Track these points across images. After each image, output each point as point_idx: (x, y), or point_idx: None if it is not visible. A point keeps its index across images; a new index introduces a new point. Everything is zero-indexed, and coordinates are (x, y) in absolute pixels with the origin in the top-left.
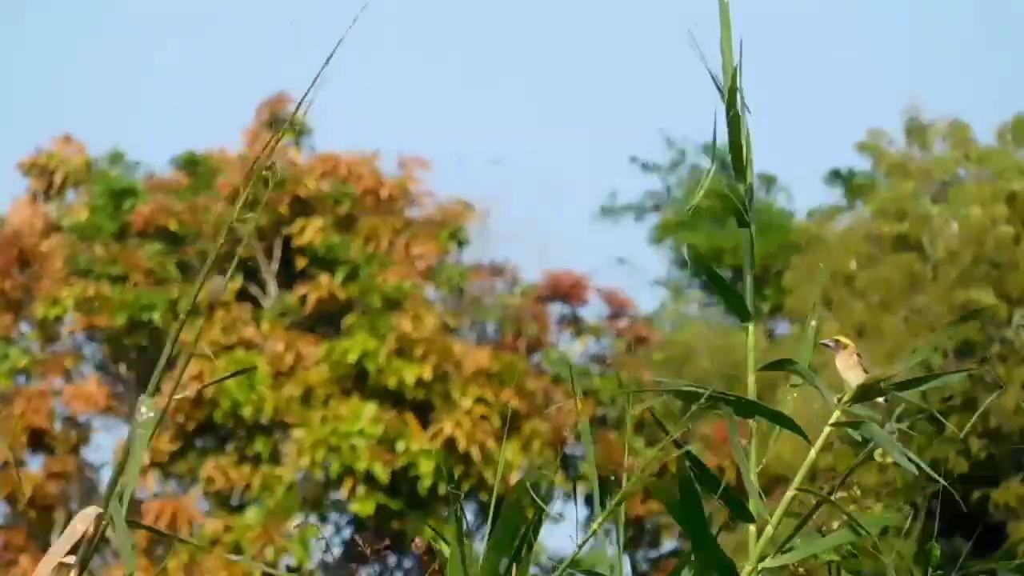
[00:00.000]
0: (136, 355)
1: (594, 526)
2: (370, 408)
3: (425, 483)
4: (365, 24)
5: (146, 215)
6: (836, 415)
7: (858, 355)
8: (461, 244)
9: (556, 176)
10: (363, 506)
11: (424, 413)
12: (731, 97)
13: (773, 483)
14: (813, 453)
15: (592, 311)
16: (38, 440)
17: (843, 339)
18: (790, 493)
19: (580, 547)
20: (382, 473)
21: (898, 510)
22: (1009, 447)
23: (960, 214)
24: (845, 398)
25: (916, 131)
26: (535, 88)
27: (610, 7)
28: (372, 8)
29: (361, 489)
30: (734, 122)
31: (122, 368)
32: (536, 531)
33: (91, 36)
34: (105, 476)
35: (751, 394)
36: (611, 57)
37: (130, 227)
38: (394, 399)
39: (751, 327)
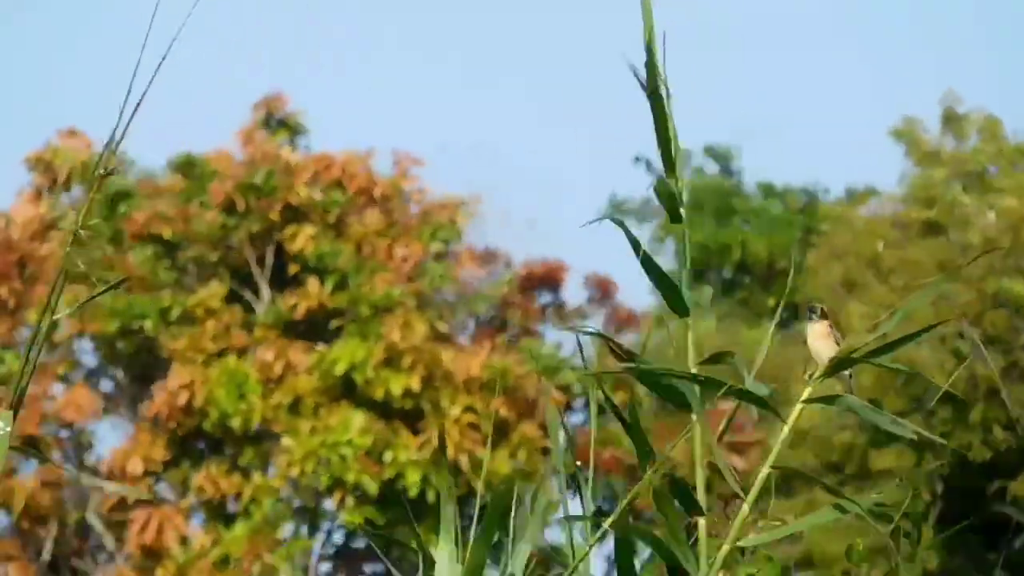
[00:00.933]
0: (129, 361)
1: (605, 525)
2: (359, 418)
3: (413, 493)
4: (366, 24)
5: (141, 222)
6: (807, 392)
7: (831, 326)
8: (448, 241)
9: (557, 174)
10: (352, 517)
11: (414, 421)
12: (655, 94)
13: (790, 478)
14: (786, 430)
15: (581, 297)
16: (32, 447)
17: (825, 308)
18: (764, 470)
19: (591, 546)
20: (371, 485)
21: (914, 495)
22: None
23: (996, 204)
24: (816, 373)
25: (952, 121)
26: (535, 86)
27: (607, 8)
28: (374, 8)
29: (350, 500)
30: (660, 120)
31: (116, 373)
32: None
33: (93, 32)
34: (99, 480)
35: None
36: (609, 57)
37: (124, 232)
38: (383, 407)
39: (690, 322)
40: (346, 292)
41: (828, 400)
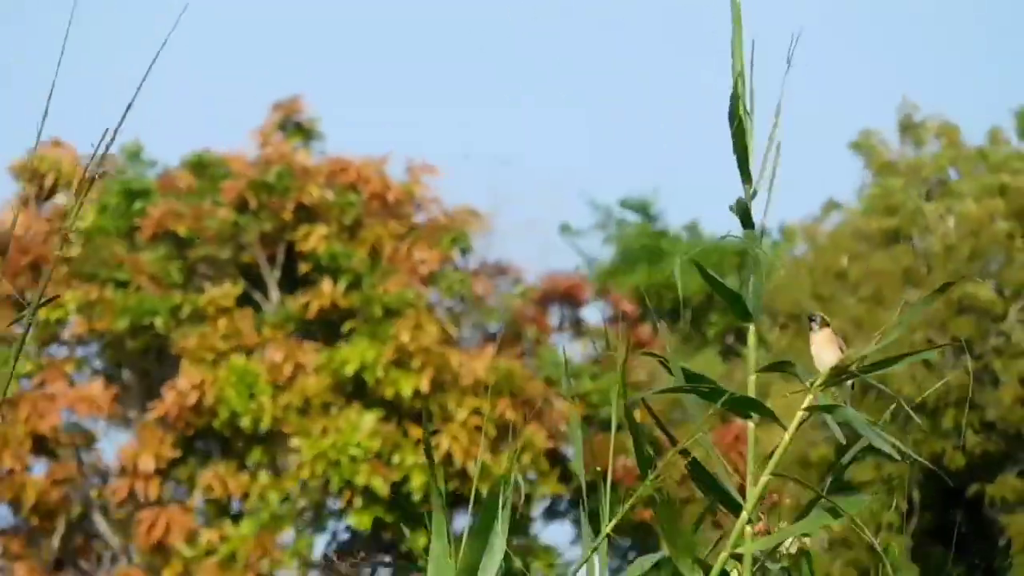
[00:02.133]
0: (138, 359)
1: (605, 530)
2: (369, 420)
3: (418, 496)
4: (378, 28)
5: (156, 219)
6: (809, 399)
7: (835, 333)
8: (464, 251)
9: (561, 177)
10: (360, 519)
11: (423, 422)
12: (735, 101)
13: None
14: (787, 438)
15: (596, 313)
16: (41, 445)
17: (825, 316)
18: (764, 477)
19: (592, 551)
20: (381, 487)
21: (894, 506)
22: (1005, 442)
23: (955, 210)
24: (818, 381)
25: (910, 129)
26: (540, 91)
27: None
28: (386, 12)
29: (358, 501)
30: (738, 128)
31: (124, 373)
32: (521, 524)
33: (107, 32)
34: (106, 480)
35: (751, 393)
36: (607, 63)
37: (139, 229)
38: (393, 408)
39: (752, 327)
40: (359, 292)
41: (828, 409)
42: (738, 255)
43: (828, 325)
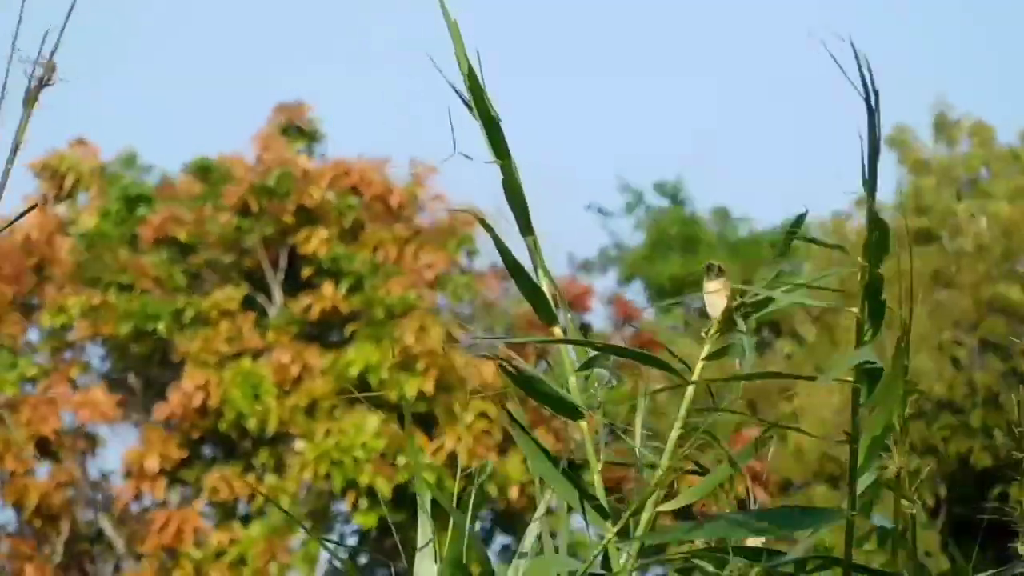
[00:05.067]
0: (142, 363)
1: (608, 536)
2: (373, 421)
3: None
4: (377, 26)
5: (156, 224)
6: (706, 349)
7: (727, 283)
8: (471, 254)
9: (566, 176)
10: (366, 519)
11: (428, 426)
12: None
13: (789, 485)
14: (690, 391)
15: (600, 318)
16: (44, 448)
17: (723, 265)
18: (674, 433)
19: (596, 555)
20: (385, 488)
21: (918, 501)
22: None
23: (988, 210)
24: (712, 330)
25: (944, 127)
26: (543, 88)
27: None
28: (383, 9)
29: (364, 502)
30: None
31: (128, 377)
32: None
33: (108, 34)
34: (111, 483)
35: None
36: (610, 64)
37: (140, 235)
38: (398, 410)
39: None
40: (360, 294)
41: (720, 354)
42: (772, 245)
43: (723, 274)
